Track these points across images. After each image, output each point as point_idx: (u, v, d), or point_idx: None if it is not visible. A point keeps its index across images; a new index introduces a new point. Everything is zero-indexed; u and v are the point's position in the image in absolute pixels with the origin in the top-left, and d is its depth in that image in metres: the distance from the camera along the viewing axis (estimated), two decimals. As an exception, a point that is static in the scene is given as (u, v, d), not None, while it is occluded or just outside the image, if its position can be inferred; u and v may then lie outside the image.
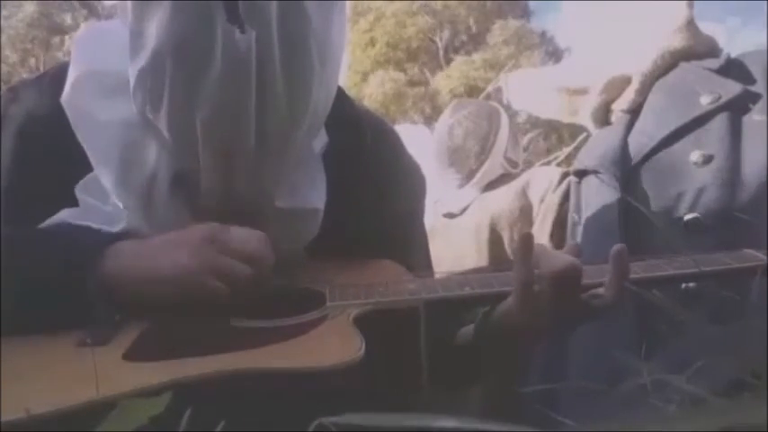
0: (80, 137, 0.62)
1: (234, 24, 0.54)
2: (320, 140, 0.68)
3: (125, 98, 0.59)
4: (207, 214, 0.61)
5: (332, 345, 0.52)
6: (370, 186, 0.71)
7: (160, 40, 0.55)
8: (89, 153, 0.62)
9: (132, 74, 0.58)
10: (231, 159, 0.59)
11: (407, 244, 0.78)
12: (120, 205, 0.62)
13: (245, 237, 0.59)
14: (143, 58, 0.56)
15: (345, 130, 0.70)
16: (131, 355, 0.51)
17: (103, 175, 0.62)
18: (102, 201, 0.63)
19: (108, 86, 0.62)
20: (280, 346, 0.51)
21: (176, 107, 0.57)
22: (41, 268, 0.57)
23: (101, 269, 0.56)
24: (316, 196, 0.66)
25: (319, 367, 0.48)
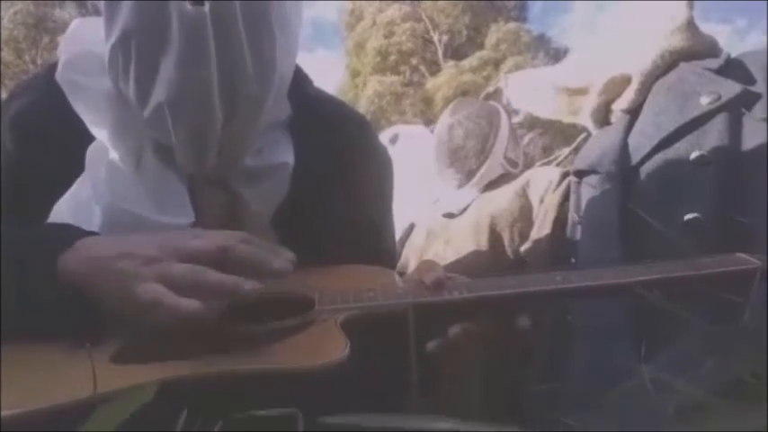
0: (75, 106, 0.66)
1: (189, 1, 0.57)
2: (284, 110, 0.71)
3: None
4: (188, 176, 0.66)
5: (316, 346, 0.52)
6: (335, 158, 0.74)
7: (127, 20, 0.58)
8: (85, 119, 0.66)
9: (106, 51, 0.61)
10: (200, 136, 0.62)
11: (375, 223, 0.80)
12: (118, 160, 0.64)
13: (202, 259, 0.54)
14: (114, 36, 0.60)
15: (308, 105, 0.73)
16: (119, 358, 0.51)
17: (99, 133, 0.65)
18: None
19: (94, 64, 0.66)
20: (265, 348, 0.51)
21: (142, 85, 0.60)
22: (7, 268, 0.55)
23: (62, 267, 0.54)
24: (284, 152, 0.69)
25: (301, 367, 0.48)
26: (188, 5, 0.57)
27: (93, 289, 0.54)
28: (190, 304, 0.50)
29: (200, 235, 0.57)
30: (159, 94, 0.59)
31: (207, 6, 0.57)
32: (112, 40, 0.60)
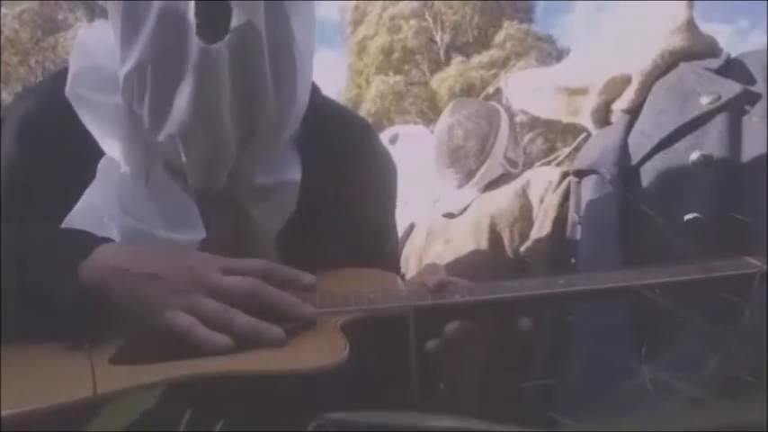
0: (85, 121, 0.66)
1: (205, 38, 0.56)
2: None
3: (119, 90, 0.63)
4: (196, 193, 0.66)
5: (316, 349, 0.52)
6: (339, 165, 0.74)
7: (144, 50, 0.58)
8: (95, 133, 0.66)
9: (121, 76, 0.61)
10: (212, 161, 0.62)
11: (378, 227, 0.81)
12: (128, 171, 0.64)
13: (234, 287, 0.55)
14: (130, 64, 0.59)
15: (315, 116, 0.73)
16: (118, 359, 0.51)
17: (109, 147, 0.65)
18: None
19: (105, 79, 0.65)
20: (265, 350, 0.51)
21: (156, 113, 0.60)
22: (24, 271, 0.56)
23: (82, 273, 0.55)
24: (292, 170, 0.70)
25: (300, 370, 0.48)
26: (201, 43, 0.56)
27: (110, 297, 0.54)
28: (223, 340, 0.51)
29: (229, 268, 0.57)
30: (172, 124, 0.59)
31: (225, 43, 0.57)
32: (128, 67, 0.60)
